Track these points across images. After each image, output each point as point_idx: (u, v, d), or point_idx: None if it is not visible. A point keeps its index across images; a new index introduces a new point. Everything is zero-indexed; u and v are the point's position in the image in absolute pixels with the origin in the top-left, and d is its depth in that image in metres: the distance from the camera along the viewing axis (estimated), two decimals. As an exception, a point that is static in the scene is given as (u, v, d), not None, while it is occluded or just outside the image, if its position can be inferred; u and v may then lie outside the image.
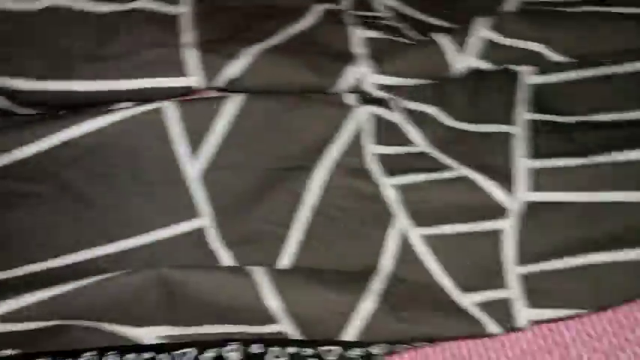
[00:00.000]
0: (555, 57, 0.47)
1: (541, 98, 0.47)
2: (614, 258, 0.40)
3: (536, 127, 0.45)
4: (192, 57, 0.43)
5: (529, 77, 0.48)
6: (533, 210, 0.42)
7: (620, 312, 0.44)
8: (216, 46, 0.44)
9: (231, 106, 0.44)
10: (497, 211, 0.43)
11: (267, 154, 0.45)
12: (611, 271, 0.40)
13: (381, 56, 0.46)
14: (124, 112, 0.43)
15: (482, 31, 0.46)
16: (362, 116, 0.45)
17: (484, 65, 0.46)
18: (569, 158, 0.43)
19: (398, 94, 0.47)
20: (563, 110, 0.46)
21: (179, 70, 0.43)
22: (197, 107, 0.44)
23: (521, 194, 0.42)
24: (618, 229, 0.41)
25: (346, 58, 0.46)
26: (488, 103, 0.47)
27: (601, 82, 0.47)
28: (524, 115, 0.46)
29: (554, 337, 0.43)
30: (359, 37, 0.47)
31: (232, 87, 0.44)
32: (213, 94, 0.46)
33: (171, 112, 0.43)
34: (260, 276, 0.41)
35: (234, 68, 0.43)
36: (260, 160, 0.45)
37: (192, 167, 0.44)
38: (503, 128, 0.45)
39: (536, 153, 0.43)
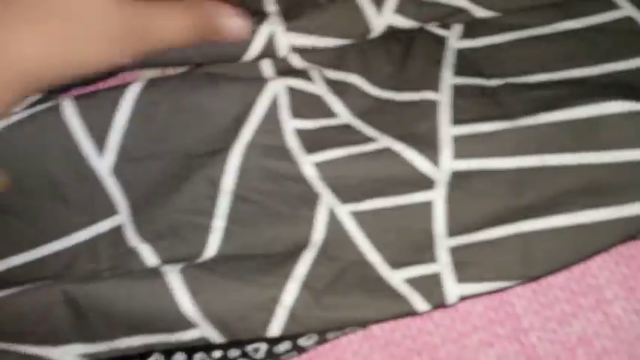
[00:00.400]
0: (480, 12, 0.44)
1: (468, 63, 0.45)
2: (544, 225, 0.38)
3: (462, 93, 0.43)
4: None
5: (456, 41, 0.46)
6: (460, 179, 0.40)
7: (572, 278, 0.42)
8: None
9: (131, 95, 0.41)
10: (423, 182, 0.40)
11: (179, 141, 0.42)
12: (542, 239, 0.38)
13: (293, 13, 0.43)
14: (21, 114, 0.41)
15: None
16: (278, 89, 0.43)
17: (406, 23, 0.44)
18: (495, 122, 0.40)
19: (318, 62, 0.45)
20: (491, 74, 0.44)
21: None
22: (94, 100, 0.42)
23: (447, 163, 0.40)
24: (547, 195, 0.39)
25: (259, 17, 0.43)
26: (413, 69, 0.44)
27: (528, 44, 0.45)
28: (450, 80, 0.43)
29: (506, 309, 0.43)
30: None
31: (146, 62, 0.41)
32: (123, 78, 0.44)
33: (69, 109, 0.41)
34: (174, 278, 0.38)
35: None
36: (172, 147, 0.42)
37: (101, 163, 0.42)
38: (428, 95, 0.43)
39: (461, 119, 0.41)
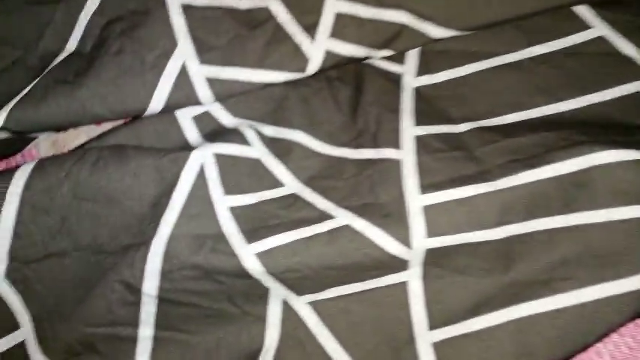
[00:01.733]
0: (434, 30, 0.37)
1: (430, 105, 0.38)
2: (541, 307, 0.32)
3: (427, 147, 0.36)
4: None
5: (412, 78, 0.38)
6: (437, 257, 0.34)
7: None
8: None
9: (17, 184, 0.32)
10: (393, 264, 0.34)
11: (84, 236, 0.34)
12: (540, 325, 0.32)
13: (209, 44, 0.35)
14: None
15: (335, 4, 0.36)
16: (205, 159, 0.34)
17: (346, 49, 0.36)
18: (471, 185, 0.34)
19: (252, 116, 0.37)
20: (458, 116, 0.37)
21: None
22: None
23: (419, 241, 0.33)
24: (540, 267, 0.33)
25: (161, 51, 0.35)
26: (367, 118, 0.37)
27: (495, 75, 0.38)
28: (411, 131, 0.36)
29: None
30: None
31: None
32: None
33: None
34: None
35: None
36: (76, 244, 0.34)
37: None
38: (388, 153, 0.36)
39: (431, 184, 0.34)
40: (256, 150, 0.36)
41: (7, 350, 0.33)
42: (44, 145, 0.39)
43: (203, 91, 0.35)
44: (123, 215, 0.34)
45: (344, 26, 0.36)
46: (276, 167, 0.36)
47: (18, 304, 0.33)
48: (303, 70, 0.35)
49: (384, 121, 0.37)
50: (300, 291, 0.34)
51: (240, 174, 0.35)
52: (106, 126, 0.39)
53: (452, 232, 0.33)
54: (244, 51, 0.35)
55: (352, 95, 0.37)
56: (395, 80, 0.38)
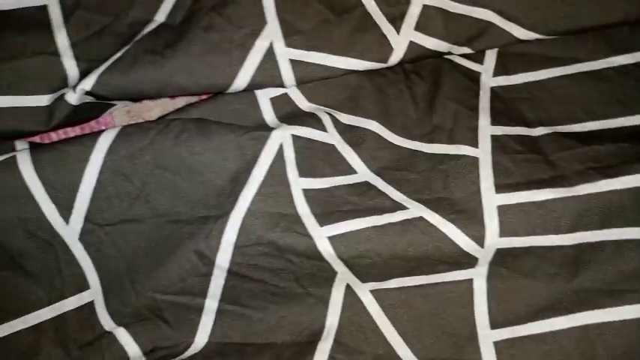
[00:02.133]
0: (518, 31, 0.36)
1: (507, 106, 0.37)
2: (608, 317, 0.32)
3: (503, 147, 0.35)
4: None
5: (489, 78, 0.38)
6: (505, 257, 0.34)
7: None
8: None
9: (101, 148, 0.33)
10: (463, 261, 0.34)
11: (163, 204, 0.34)
12: (607, 334, 0.32)
13: (295, 27, 0.35)
14: None
15: None
16: (284, 140, 0.35)
17: (429, 42, 0.36)
18: (548, 189, 0.34)
19: (329, 103, 0.37)
20: (534, 120, 0.37)
21: None
22: (57, 155, 0.33)
23: (492, 240, 0.33)
24: (609, 277, 0.33)
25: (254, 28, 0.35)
26: (444, 114, 0.37)
27: (575, 82, 0.37)
28: (488, 130, 0.36)
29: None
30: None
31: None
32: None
33: (26, 165, 0.33)
34: None
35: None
36: (154, 211, 0.34)
37: (67, 229, 0.34)
38: (465, 150, 0.35)
39: (507, 184, 0.34)
40: (331, 136, 0.36)
41: (76, 309, 0.34)
42: (119, 113, 0.39)
43: (287, 73, 0.35)
44: (202, 187, 0.34)
45: (430, 19, 0.35)
46: (350, 155, 0.36)
47: (89, 265, 0.34)
48: (385, 60, 0.35)
49: (462, 118, 0.36)
50: (365, 278, 0.34)
51: (315, 158, 0.35)
52: (180, 100, 0.39)
53: (524, 234, 0.33)
54: (330, 37, 0.35)
55: (429, 90, 0.37)
56: (473, 78, 0.38)
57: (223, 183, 0.34)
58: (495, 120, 0.36)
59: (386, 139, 0.36)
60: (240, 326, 0.34)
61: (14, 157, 0.32)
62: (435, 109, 0.37)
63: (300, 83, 0.35)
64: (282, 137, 0.34)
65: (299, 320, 0.34)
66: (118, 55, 0.34)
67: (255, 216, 0.34)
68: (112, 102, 0.37)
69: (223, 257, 0.33)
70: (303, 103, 0.36)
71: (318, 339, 0.34)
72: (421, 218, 0.34)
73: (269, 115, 0.36)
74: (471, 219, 0.33)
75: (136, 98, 0.37)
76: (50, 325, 0.33)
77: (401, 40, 0.35)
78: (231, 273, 0.34)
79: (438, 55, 0.37)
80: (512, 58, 0.38)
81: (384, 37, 0.35)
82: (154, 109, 0.39)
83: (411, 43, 0.35)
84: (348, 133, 0.36)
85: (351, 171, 0.36)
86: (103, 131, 0.34)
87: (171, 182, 0.34)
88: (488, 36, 0.37)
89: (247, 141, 0.34)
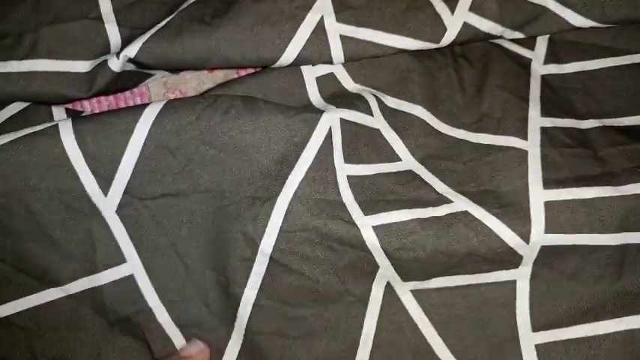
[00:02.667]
0: (573, 18, 0.35)
1: (557, 95, 0.36)
2: None
3: (552, 140, 0.34)
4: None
5: (540, 66, 0.37)
6: (549, 256, 0.33)
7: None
8: None
9: (146, 120, 0.32)
10: (508, 259, 0.33)
11: (207, 180, 0.33)
12: None
13: (346, 3, 0.34)
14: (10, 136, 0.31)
15: None
16: (332, 124, 0.33)
17: (483, 24, 0.35)
18: (597, 187, 0.33)
19: (375, 85, 0.36)
20: (584, 112, 0.36)
21: None
22: (100, 125, 0.31)
23: (537, 236, 0.32)
24: None
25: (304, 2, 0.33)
26: (492, 102, 0.35)
27: (627, 74, 0.36)
28: (537, 121, 0.35)
29: None
30: None
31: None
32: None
33: (68, 133, 0.31)
34: None
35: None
36: (197, 187, 0.33)
37: (105, 200, 0.32)
38: (513, 142, 0.34)
39: (555, 179, 0.33)
40: (377, 120, 0.34)
41: (114, 281, 0.33)
42: (155, 84, 0.38)
43: (336, 49, 0.34)
44: (248, 167, 0.33)
45: (485, 1, 0.34)
46: (395, 140, 0.35)
47: (126, 238, 0.33)
48: (438, 40, 0.34)
49: (512, 107, 0.35)
50: (406, 276, 0.33)
51: (360, 143, 0.34)
52: (218, 73, 0.38)
53: (570, 232, 0.32)
54: (382, 14, 0.33)
55: (478, 75, 0.36)
56: (524, 65, 0.36)
57: (269, 164, 0.33)
58: (545, 110, 0.35)
59: (432, 127, 0.35)
60: (275, 321, 0.33)
61: (56, 126, 0.31)
62: (484, 96, 0.35)
63: (349, 60, 0.34)
64: (331, 120, 0.33)
65: (337, 318, 0.33)
66: (163, 23, 0.33)
67: (301, 201, 0.32)
68: (150, 72, 0.36)
69: (268, 242, 0.32)
70: (349, 84, 0.35)
71: (356, 346, 0.33)
72: (466, 212, 0.33)
73: (315, 95, 0.35)
74: (517, 214, 0.32)
75: (177, 69, 0.36)
76: (89, 294, 0.33)
77: (455, 21, 0.34)
78: (272, 260, 0.33)
79: (490, 38, 0.36)
80: (563, 45, 0.37)
81: (438, 16, 0.34)
82: (190, 82, 0.38)
83: (465, 24, 0.34)
84: (394, 117, 0.35)
85: (395, 158, 0.34)
86: (147, 104, 0.32)
87: (216, 159, 0.32)
88: (542, 21, 0.35)
89: (297, 123, 0.33)
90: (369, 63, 0.35)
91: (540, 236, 0.32)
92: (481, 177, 0.34)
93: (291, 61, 0.33)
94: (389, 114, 0.35)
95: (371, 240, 0.32)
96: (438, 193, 0.33)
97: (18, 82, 0.32)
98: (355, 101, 0.34)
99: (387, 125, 0.35)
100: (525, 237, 0.32)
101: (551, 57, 0.37)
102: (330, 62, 0.34)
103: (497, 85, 0.35)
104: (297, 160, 0.33)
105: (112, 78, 0.33)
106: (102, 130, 0.31)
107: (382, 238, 0.32)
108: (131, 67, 0.34)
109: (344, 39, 0.34)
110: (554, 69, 0.37)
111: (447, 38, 0.34)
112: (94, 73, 0.33)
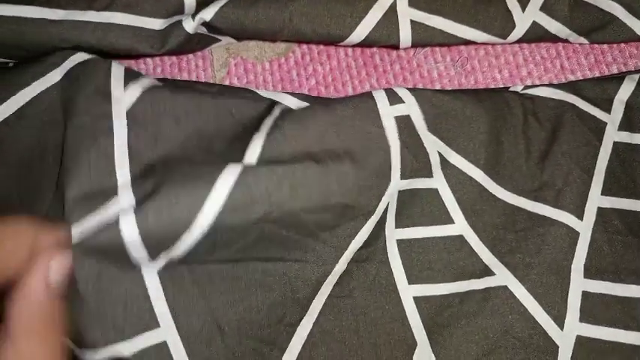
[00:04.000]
0: None
1: (623, 168, 0.34)
2: None
3: (606, 225, 0.33)
4: None
5: (614, 132, 0.35)
6: (586, 353, 0.32)
7: None
8: None
9: (221, 194, 0.28)
10: (544, 347, 0.32)
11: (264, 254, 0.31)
12: None
13: None
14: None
15: None
16: (392, 197, 0.32)
17: (552, 25, 0.35)
18: (632, 285, 0.32)
19: (446, 138, 0.33)
20: None
21: None
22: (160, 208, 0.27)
23: (571, 324, 0.32)
24: None
25: None
26: (555, 169, 0.33)
27: None
28: (597, 201, 0.33)
29: None
30: None
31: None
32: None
33: (128, 226, 0.27)
34: None
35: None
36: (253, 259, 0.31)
37: (148, 262, 0.28)
38: (567, 219, 0.33)
39: (597, 268, 0.32)
40: (436, 181, 0.33)
41: (142, 350, 0.29)
42: (218, 50, 0.38)
43: (405, 33, 0.33)
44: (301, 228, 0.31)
45: (557, 2, 0.34)
46: (451, 202, 0.33)
47: (162, 301, 0.29)
48: (506, 36, 0.34)
49: (574, 180, 0.33)
50: (441, 355, 0.32)
51: (414, 206, 0.33)
52: (280, 44, 0.39)
53: (604, 324, 0.32)
54: (454, 3, 0.33)
55: (546, 139, 0.34)
56: (597, 130, 0.34)
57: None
58: (607, 188, 0.34)
59: (490, 192, 0.33)
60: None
61: (117, 221, 0.27)
62: (548, 163, 0.33)
63: (416, 45, 0.34)
64: (394, 195, 0.32)
65: None
66: None
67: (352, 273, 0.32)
68: (218, 37, 0.37)
69: (317, 302, 0.31)
70: (422, 130, 0.33)
71: None
72: (505, 288, 0.32)
73: (393, 133, 0.32)
74: (554, 297, 0.32)
75: (248, 37, 0.36)
76: None
77: (525, 18, 0.34)
78: (317, 324, 0.31)
79: (555, 39, 0.36)
80: (638, 112, 0.35)
81: (509, 12, 0.34)
82: (252, 49, 0.38)
83: (534, 23, 0.34)
84: (454, 178, 0.33)
85: (448, 220, 0.33)
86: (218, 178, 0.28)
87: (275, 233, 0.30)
88: (609, 30, 0.36)
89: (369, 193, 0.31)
90: (445, 114, 0.33)
91: (575, 324, 0.32)
92: (529, 248, 0.33)
93: (359, 41, 0.33)
94: (449, 173, 0.33)
95: (412, 313, 0.32)
96: (483, 264, 0.32)
97: (94, 32, 0.31)
98: (419, 163, 0.32)
99: (446, 184, 0.33)
100: (560, 323, 0.32)
101: (625, 123, 0.35)
102: (397, 46, 0.35)
103: (563, 153, 0.34)
104: (358, 232, 0.32)
105: (184, 38, 0.33)
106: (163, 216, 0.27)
107: (422, 310, 0.32)
108: (203, 30, 0.35)
109: (414, 24, 0.34)
110: (626, 137, 0.35)
111: (515, 35, 0.34)
112: (167, 31, 0.32)
